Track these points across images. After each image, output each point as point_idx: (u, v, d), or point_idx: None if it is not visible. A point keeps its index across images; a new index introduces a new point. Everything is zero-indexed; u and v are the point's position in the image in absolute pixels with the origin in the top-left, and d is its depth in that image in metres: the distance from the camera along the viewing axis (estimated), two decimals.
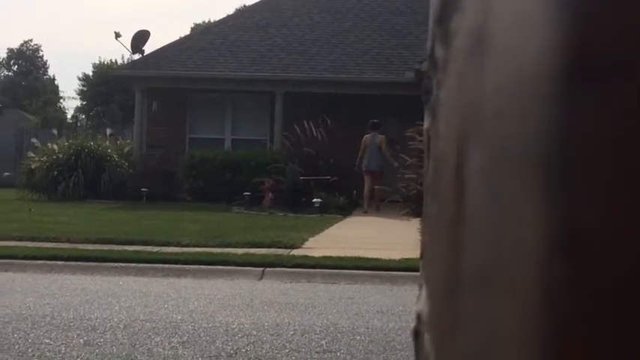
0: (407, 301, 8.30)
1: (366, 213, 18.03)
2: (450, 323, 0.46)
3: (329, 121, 19.93)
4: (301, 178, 18.65)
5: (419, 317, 0.87)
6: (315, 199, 17.84)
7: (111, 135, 24.31)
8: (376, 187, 18.84)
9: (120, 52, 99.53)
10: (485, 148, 0.36)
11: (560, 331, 0.27)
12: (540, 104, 0.28)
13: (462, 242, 0.42)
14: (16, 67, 66.23)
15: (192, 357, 5.91)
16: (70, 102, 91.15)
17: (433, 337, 0.56)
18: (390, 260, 10.20)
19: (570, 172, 0.27)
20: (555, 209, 0.27)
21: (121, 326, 6.86)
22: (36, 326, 6.75)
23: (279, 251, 11.13)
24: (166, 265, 10.14)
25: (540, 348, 0.28)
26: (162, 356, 5.91)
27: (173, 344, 6.28)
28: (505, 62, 0.33)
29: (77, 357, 5.83)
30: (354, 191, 20.31)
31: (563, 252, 0.27)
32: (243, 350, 6.14)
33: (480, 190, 0.37)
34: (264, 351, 6.14)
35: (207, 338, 6.50)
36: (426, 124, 1.06)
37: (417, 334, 0.88)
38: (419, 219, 16.23)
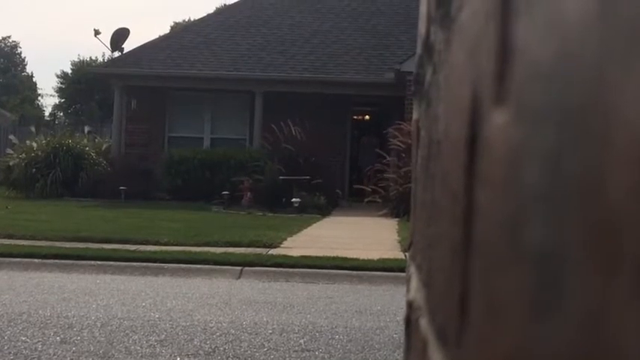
0: (385, 301, 8.31)
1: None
2: (460, 299, 0.45)
3: (307, 124, 19.94)
4: (281, 177, 18.63)
5: (410, 305, 0.87)
6: (294, 199, 17.84)
7: (89, 133, 24.22)
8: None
9: (99, 50, 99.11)
10: (515, 102, 0.35)
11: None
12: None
13: (477, 206, 0.42)
14: None
15: (170, 355, 5.88)
16: (48, 99, 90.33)
17: (434, 320, 0.56)
18: (368, 260, 10.21)
19: None
20: None
21: (99, 324, 6.82)
22: (12, 324, 6.70)
23: (258, 250, 11.11)
24: (144, 264, 10.09)
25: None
26: (140, 354, 5.88)
27: (151, 342, 6.24)
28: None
29: (54, 355, 5.78)
30: (338, 191, 20.41)
31: None
32: (222, 349, 6.12)
33: (510, 141, 0.36)
34: (242, 349, 6.12)
35: (185, 337, 6.47)
36: (415, 115, 1.06)
37: (408, 322, 0.88)
38: (397, 219, 16.31)
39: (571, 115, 0.29)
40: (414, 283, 0.88)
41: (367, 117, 23.97)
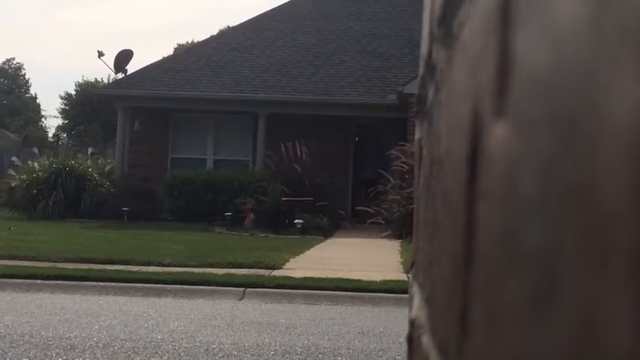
0: (388, 322, 8.29)
1: None
2: (460, 312, 0.46)
3: (310, 145, 19.99)
4: (284, 199, 18.64)
5: (413, 323, 0.87)
6: (297, 220, 17.83)
7: (92, 154, 24.24)
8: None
9: (103, 72, 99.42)
10: (514, 113, 0.36)
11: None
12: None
13: (477, 221, 0.42)
14: None
15: None
16: (52, 120, 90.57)
17: (436, 335, 0.56)
18: (371, 282, 10.19)
19: None
20: None
21: (101, 345, 6.80)
22: (14, 345, 6.69)
23: (260, 272, 11.10)
24: (147, 285, 10.08)
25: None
26: None
27: None
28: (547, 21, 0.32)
29: None
30: (341, 212, 20.42)
31: None
32: None
33: (510, 152, 0.36)
34: None
35: (188, 358, 6.46)
36: (417, 135, 1.06)
37: (410, 340, 0.88)
38: (400, 241, 16.28)
39: (566, 125, 0.29)
40: (417, 301, 0.89)
41: (370, 139, 23.99)
